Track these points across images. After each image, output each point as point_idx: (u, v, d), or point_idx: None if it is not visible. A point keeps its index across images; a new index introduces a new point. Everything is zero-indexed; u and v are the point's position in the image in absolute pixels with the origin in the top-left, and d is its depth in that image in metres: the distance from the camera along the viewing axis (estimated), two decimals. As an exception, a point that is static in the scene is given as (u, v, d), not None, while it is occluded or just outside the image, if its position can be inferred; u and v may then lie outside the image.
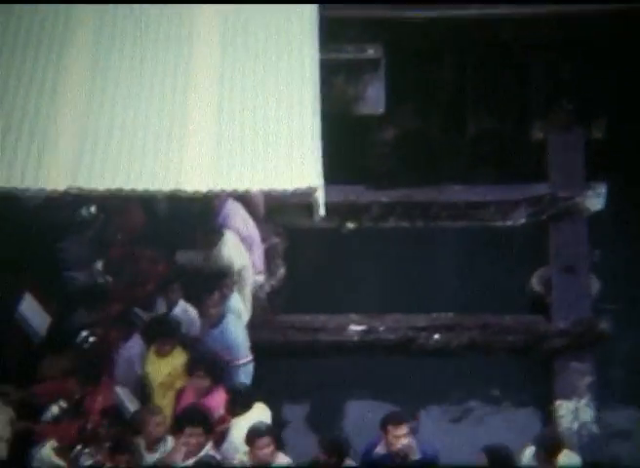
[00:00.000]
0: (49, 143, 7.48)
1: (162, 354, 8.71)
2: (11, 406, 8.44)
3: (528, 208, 11.01)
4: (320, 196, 7.31)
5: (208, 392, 8.41)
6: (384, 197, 11.14)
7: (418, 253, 10.98)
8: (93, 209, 9.67)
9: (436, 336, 10.03)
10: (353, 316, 10.29)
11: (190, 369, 8.51)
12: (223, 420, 8.21)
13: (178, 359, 8.69)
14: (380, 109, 11.01)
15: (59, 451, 8.02)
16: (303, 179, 7.29)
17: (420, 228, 11.10)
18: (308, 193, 7.30)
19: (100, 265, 9.66)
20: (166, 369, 8.66)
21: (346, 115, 10.94)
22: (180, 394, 8.59)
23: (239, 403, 8.24)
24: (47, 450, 8.08)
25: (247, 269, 9.33)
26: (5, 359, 8.89)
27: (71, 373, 8.55)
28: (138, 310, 9.20)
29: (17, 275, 9.17)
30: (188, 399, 8.45)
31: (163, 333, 8.73)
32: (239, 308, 9.14)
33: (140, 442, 8.03)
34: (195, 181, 7.36)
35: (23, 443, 8.32)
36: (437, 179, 11.24)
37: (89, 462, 7.89)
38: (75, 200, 8.76)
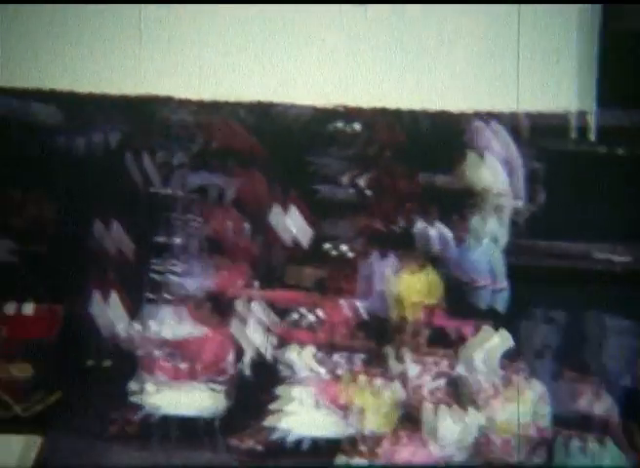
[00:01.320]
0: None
1: (413, 271, 8.68)
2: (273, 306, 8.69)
3: None
4: (591, 120, 7.04)
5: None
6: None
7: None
8: (357, 126, 9.71)
9: None
10: (619, 246, 9.84)
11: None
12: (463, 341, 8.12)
13: (428, 276, 8.63)
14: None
15: (317, 357, 8.24)
16: (565, 102, 7.00)
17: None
18: (569, 116, 7.05)
19: (362, 180, 9.73)
20: (416, 285, 8.62)
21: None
22: (430, 312, 8.56)
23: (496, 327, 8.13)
24: (307, 355, 8.33)
25: (505, 193, 9.13)
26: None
27: (319, 285, 8.70)
28: (394, 227, 9.19)
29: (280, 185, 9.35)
30: (439, 320, 8.47)
31: (414, 250, 8.69)
32: (496, 233, 8.98)
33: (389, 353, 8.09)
34: (453, 102, 7.22)
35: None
36: None
37: (343, 371, 8.08)
38: (340, 115, 8.82)
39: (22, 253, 9.62)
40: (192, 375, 8.17)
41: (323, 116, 8.42)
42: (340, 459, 7.84)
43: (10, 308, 8.55)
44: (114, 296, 8.57)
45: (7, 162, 10.19)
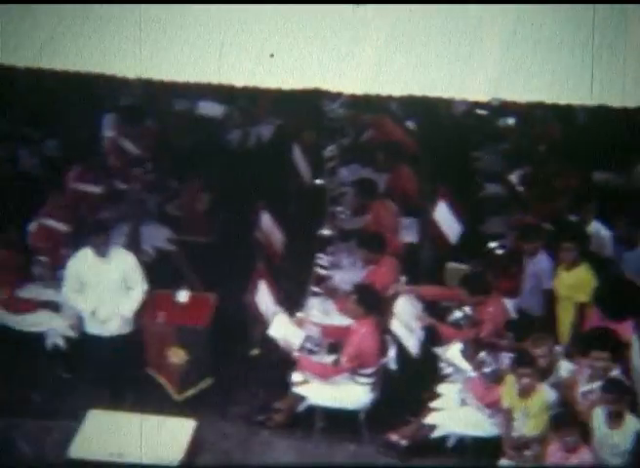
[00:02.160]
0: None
1: (567, 266, 8.34)
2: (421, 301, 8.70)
3: None
4: None
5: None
6: None
7: None
8: (511, 120, 9.51)
9: None
10: None
11: None
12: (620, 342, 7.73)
13: (583, 273, 8.33)
14: None
15: (464, 354, 8.10)
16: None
17: None
18: None
19: (515, 176, 9.51)
20: (569, 280, 8.34)
21: None
22: (583, 309, 8.26)
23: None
24: (454, 351, 8.20)
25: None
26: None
27: (468, 281, 8.43)
28: (547, 223, 8.93)
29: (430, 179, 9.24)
30: (594, 320, 8.11)
31: (569, 247, 8.31)
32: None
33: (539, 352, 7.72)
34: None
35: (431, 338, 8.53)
36: None
37: (490, 369, 7.88)
38: (496, 110, 8.64)
39: (180, 242, 9.84)
40: (339, 368, 8.12)
41: (476, 110, 8.18)
42: (488, 460, 7.71)
43: (168, 295, 8.66)
44: (266, 287, 8.56)
45: (166, 153, 10.55)
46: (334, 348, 8.39)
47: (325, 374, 8.18)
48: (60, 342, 8.81)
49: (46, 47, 7.00)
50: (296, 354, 8.23)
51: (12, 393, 8.68)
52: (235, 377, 8.90)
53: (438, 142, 8.99)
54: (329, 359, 8.34)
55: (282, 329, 8.36)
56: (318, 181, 9.52)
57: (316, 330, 8.46)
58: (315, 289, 8.99)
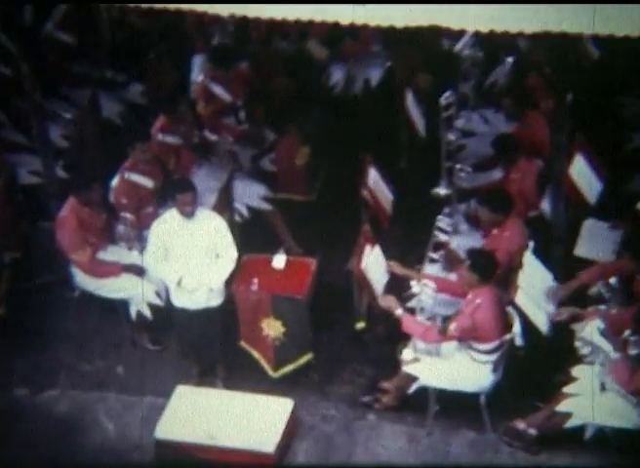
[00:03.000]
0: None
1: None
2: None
3: None
4: None
5: None
6: None
7: None
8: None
9: None
10: None
11: None
12: None
13: None
14: None
15: (605, 333, 7.75)
16: None
17: None
18: None
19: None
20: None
21: None
22: None
23: None
24: (592, 329, 7.88)
25: None
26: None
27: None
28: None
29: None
30: None
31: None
32: None
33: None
34: None
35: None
36: None
37: (637, 351, 7.59)
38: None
39: (276, 201, 9.76)
40: (445, 335, 7.85)
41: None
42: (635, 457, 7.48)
43: (262, 260, 8.58)
44: (373, 252, 8.37)
45: (261, 100, 10.45)
46: (449, 319, 8.07)
47: (428, 337, 7.95)
48: (146, 311, 8.77)
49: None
50: (399, 312, 8.02)
51: (94, 364, 8.75)
52: (338, 353, 8.80)
53: (576, 86, 8.63)
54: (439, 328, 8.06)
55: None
56: (433, 132, 9.28)
57: (430, 286, 8.20)
58: (433, 255, 8.74)
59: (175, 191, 8.20)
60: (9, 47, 8.51)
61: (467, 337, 7.90)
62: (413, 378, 8.11)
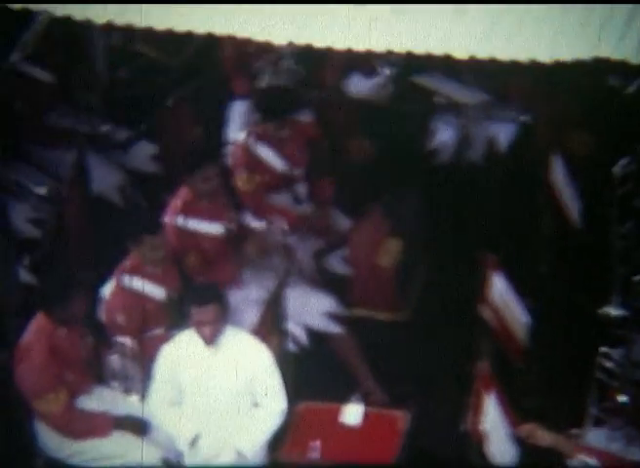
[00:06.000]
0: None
1: None
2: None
3: None
4: None
5: None
6: None
7: None
8: None
9: None
10: None
11: None
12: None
13: None
14: None
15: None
16: None
17: None
18: None
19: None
20: None
21: None
22: None
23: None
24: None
25: None
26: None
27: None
28: None
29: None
30: None
31: None
32: None
33: None
34: None
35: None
36: None
37: None
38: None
39: (349, 321, 9.88)
40: None
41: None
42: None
43: (328, 412, 8.81)
44: (497, 404, 8.27)
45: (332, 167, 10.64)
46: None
47: None
48: (150, 489, 8.30)
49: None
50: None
51: None
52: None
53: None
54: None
55: None
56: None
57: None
58: (597, 412, 8.64)
59: (190, 302, 8.19)
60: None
61: None
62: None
